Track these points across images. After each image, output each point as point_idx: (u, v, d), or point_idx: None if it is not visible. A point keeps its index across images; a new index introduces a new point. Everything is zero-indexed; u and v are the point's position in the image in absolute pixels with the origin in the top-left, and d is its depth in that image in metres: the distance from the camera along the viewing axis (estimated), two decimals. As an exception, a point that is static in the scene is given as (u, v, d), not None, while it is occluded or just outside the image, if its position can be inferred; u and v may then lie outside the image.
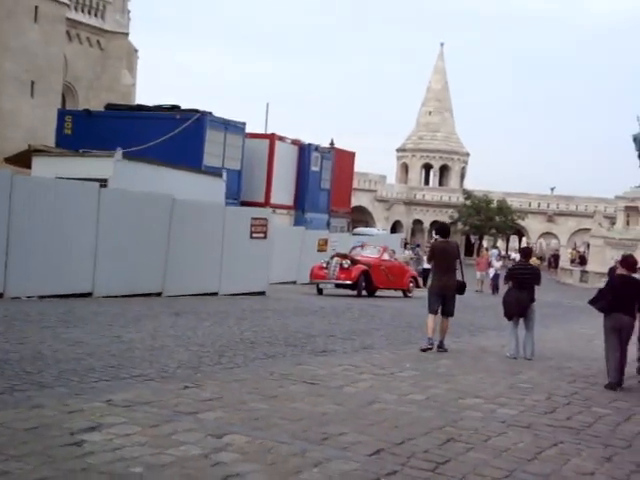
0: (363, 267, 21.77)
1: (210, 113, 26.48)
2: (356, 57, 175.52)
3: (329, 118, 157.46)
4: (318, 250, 27.61)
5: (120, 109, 28.38)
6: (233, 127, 27.48)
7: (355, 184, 47.60)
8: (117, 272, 14.96)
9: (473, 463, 5.15)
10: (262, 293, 18.92)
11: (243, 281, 18.24)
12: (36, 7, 30.87)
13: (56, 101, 32.39)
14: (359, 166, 46.35)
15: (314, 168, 32.33)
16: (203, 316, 12.74)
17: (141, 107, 28.77)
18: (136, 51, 45.36)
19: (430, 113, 70.11)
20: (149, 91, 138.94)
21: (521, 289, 10.87)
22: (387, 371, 8.57)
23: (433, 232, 13.07)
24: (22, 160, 17.54)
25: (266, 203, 27.82)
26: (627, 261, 9.50)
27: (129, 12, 42.36)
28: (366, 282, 21.90)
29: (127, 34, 41.91)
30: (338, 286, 21.73)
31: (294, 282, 25.64)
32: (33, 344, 8.35)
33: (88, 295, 14.33)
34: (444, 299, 10.76)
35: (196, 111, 26.07)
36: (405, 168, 70.64)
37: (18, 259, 13.13)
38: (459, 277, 11.01)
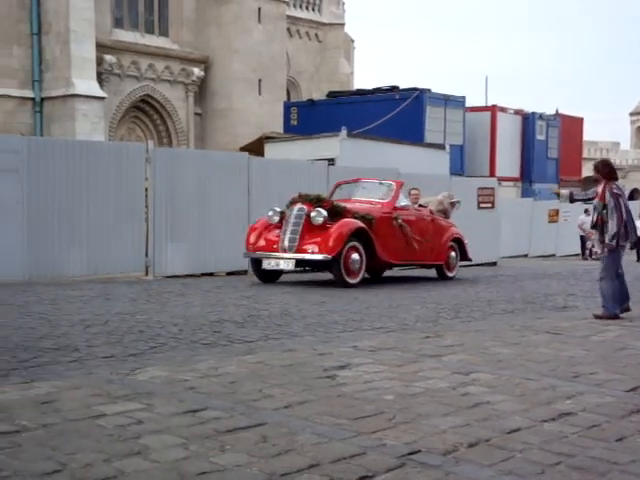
0: (355, 223, 11.39)
1: (429, 90, 26.45)
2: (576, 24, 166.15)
3: (550, 92, 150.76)
4: (549, 221, 26.95)
5: (341, 95, 29.24)
6: (453, 102, 27.21)
7: (585, 154, 45.12)
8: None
9: None
10: (493, 264, 18.62)
11: (473, 252, 17.98)
12: (259, 8, 32.64)
13: (281, 96, 34.05)
14: (587, 136, 43.99)
15: (539, 137, 31.16)
16: (436, 282, 12.79)
17: (361, 91, 29.41)
18: (352, 41, 46.44)
19: (665, 70, 64.60)
20: (366, 79, 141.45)
21: None
22: (639, 323, 8.08)
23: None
24: (255, 148, 18.71)
25: (491, 176, 27.22)
26: None
27: (344, 4, 43.48)
28: (366, 254, 11.45)
29: (343, 25, 43.01)
30: (299, 264, 11.50)
31: (525, 255, 25.04)
32: (280, 304, 8.94)
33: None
34: None
35: (414, 89, 26.17)
36: (640, 132, 65.73)
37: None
38: None
